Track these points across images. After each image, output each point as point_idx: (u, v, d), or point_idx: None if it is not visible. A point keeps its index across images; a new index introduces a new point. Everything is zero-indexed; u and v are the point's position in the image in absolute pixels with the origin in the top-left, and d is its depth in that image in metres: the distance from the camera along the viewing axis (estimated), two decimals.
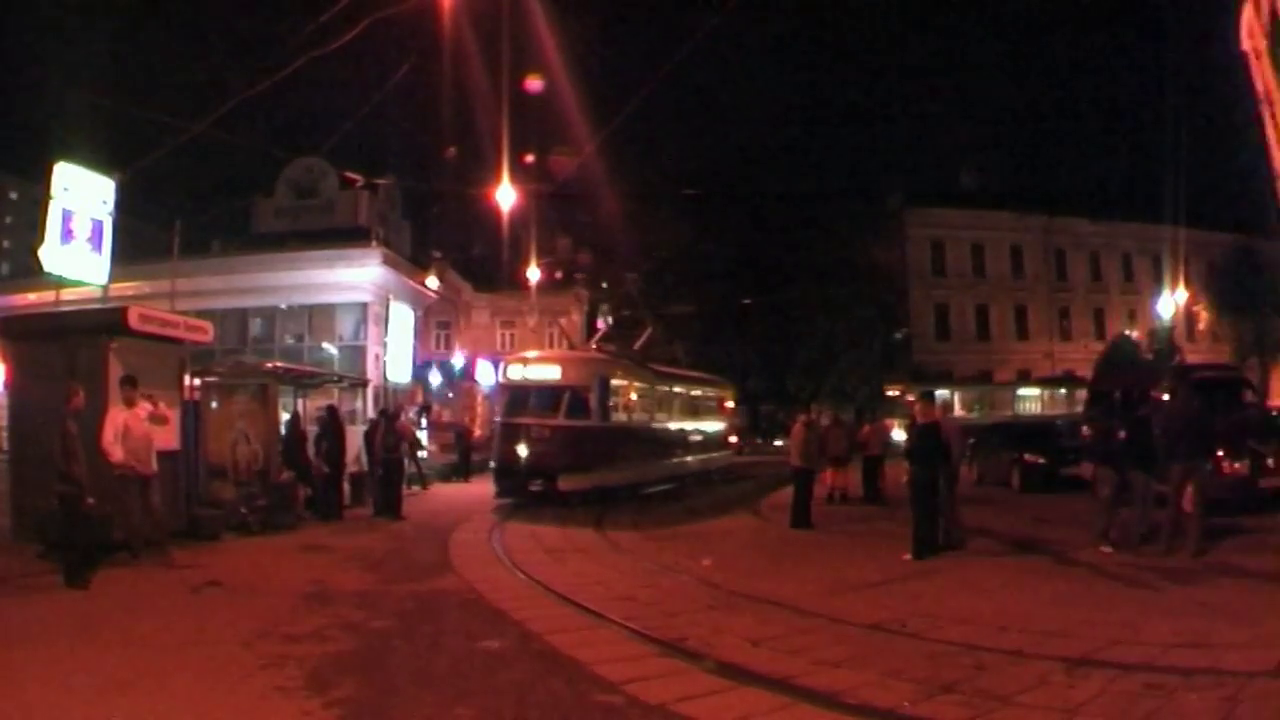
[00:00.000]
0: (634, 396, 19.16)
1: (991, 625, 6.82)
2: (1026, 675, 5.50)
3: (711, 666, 5.85)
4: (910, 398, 33.48)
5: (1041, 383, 38.64)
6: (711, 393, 26.08)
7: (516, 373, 17.72)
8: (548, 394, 16.87)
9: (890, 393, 36.83)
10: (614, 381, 17.86)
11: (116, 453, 8.80)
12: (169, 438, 11.11)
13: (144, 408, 9.46)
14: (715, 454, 24.70)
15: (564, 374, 17.15)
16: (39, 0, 49.71)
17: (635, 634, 6.77)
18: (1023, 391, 35.46)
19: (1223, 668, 5.52)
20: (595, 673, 5.71)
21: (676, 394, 22.59)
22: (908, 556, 9.92)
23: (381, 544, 11.59)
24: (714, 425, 25.28)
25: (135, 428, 9.14)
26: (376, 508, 14.92)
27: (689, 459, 22.42)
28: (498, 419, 18.24)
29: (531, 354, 19.04)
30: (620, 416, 17.99)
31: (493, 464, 17.87)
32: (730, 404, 29.12)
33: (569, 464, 16.07)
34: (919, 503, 10.30)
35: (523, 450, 16.22)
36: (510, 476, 16.40)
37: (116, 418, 8.94)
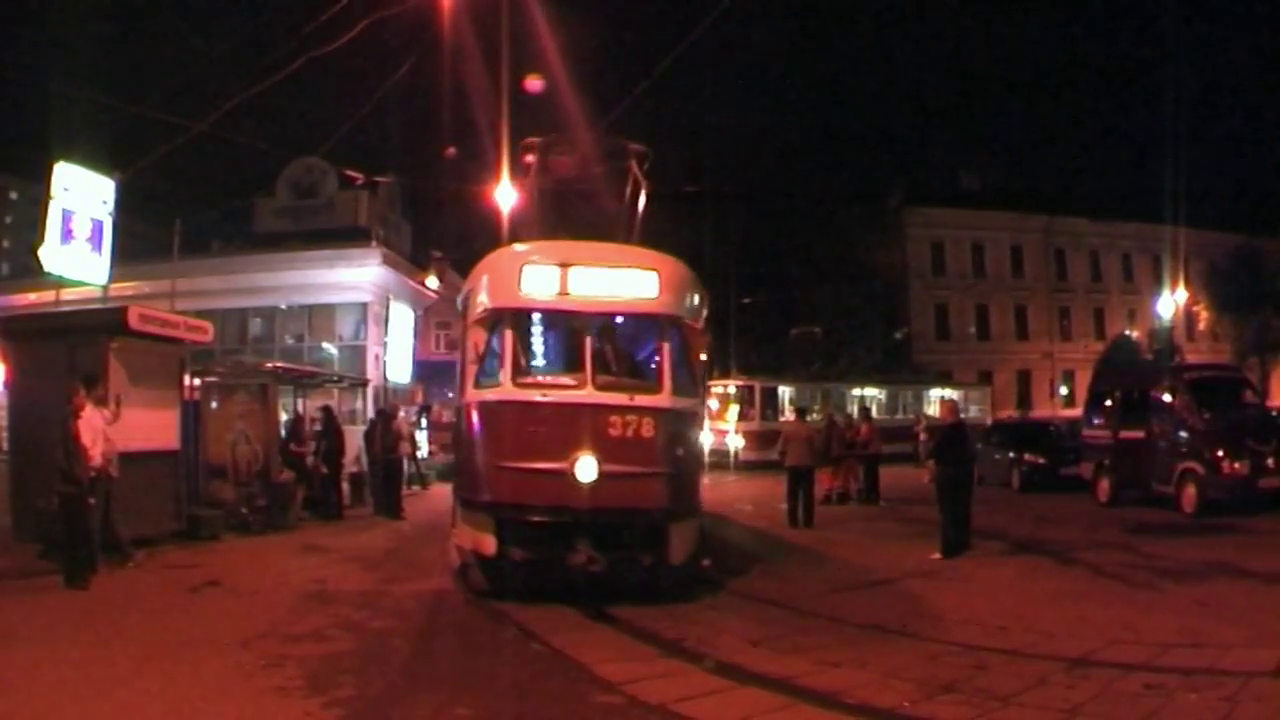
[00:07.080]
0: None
1: (992, 625, 6.83)
2: (1026, 675, 5.50)
3: (711, 666, 5.86)
4: (726, 389, 29.39)
5: (886, 382, 34.62)
6: None
7: (547, 282, 7.87)
8: (630, 334, 8.52)
9: (717, 388, 28.97)
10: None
11: (95, 455, 8.50)
12: (169, 437, 11.13)
13: (110, 410, 9.09)
14: None
15: (661, 292, 7.93)
16: (39, 0, 49.67)
17: (635, 634, 6.77)
18: (857, 391, 32.49)
19: (1223, 668, 5.53)
20: (595, 673, 5.71)
21: None
22: (937, 555, 9.98)
23: (381, 544, 11.58)
24: None
25: (103, 429, 8.84)
26: (376, 508, 14.93)
27: None
28: (485, 393, 7.98)
29: (582, 247, 8.65)
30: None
31: (469, 497, 8.09)
32: None
33: (686, 502, 8.08)
34: (946, 502, 10.36)
35: (586, 471, 7.33)
36: (537, 541, 7.50)
37: (93, 420, 8.61)
